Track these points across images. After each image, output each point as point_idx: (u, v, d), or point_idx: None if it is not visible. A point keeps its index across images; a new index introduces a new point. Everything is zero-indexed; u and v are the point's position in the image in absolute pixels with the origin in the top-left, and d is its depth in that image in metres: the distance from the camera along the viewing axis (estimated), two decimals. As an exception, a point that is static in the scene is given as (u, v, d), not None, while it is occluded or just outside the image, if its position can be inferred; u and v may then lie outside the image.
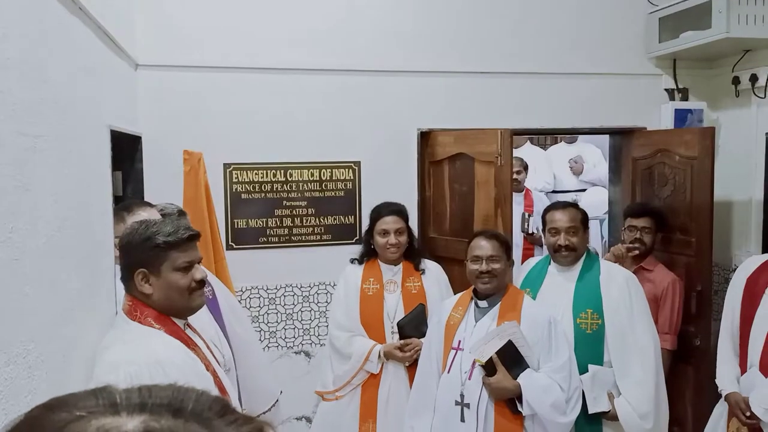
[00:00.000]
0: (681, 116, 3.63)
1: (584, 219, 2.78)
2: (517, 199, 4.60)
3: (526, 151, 5.60)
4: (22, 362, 1.20)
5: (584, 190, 5.38)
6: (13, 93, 1.21)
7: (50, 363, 1.37)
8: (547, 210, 2.87)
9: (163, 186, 3.02)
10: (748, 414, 2.51)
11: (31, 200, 1.29)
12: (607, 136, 4.01)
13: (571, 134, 5.32)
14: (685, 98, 3.72)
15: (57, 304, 1.45)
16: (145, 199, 2.81)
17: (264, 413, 2.73)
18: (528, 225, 4.62)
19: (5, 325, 1.12)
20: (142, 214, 2.19)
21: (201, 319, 2.19)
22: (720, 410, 2.71)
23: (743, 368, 2.61)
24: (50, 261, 1.40)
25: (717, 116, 3.76)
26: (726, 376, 2.67)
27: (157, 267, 1.70)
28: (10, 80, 1.20)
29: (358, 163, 3.53)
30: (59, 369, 1.45)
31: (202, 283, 1.78)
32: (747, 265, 2.75)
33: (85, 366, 1.65)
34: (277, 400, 2.80)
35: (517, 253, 4.13)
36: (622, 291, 2.64)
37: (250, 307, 3.43)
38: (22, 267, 1.23)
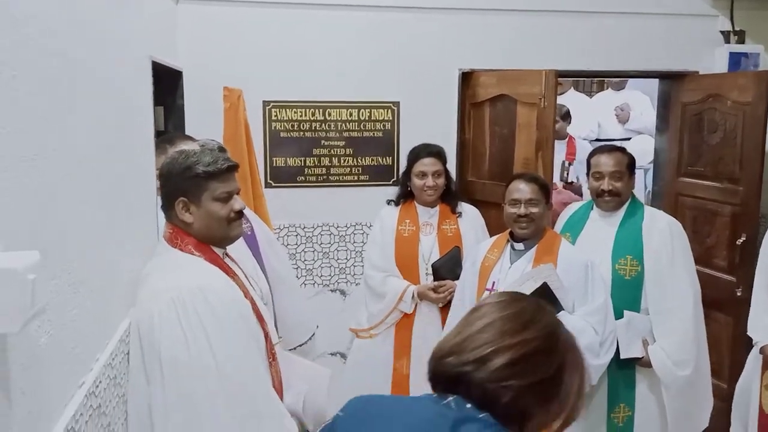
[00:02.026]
0: (735, 60, 3.47)
1: (630, 164, 2.71)
2: (559, 147, 4.51)
3: (570, 97, 5.45)
4: (67, 278, 1.24)
5: (629, 139, 5.24)
6: (48, 13, 1.22)
7: (94, 282, 1.41)
8: (592, 153, 2.80)
9: (203, 122, 3.04)
10: (785, 365, 2.48)
11: (74, 121, 1.31)
12: (657, 81, 3.86)
13: (618, 77, 5.14)
14: (741, 41, 3.54)
15: (100, 226, 1.49)
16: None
17: (300, 346, 2.80)
18: (567, 174, 4.52)
19: (49, 240, 1.16)
20: (184, 148, 2.21)
21: (240, 252, 2.23)
22: (753, 362, 2.67)
23: None
24: (92, 183, 1.43)
25: (775, 61, 3.58)
26: (761, 327, 2.62)
27: (198, 196, 1.73)
28: (44, 2, 1.20)
29: (397, 104, 3.49)
30: (102, 289, 1.49)
31: (240, 213, 1.80)
32: None
33: (128, 288, 1.70)
34: (314, 334, 2.87)
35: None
36: (664, 237, 2.59)
37: (288, 244, 3.48)
38: (66, 186, 1.25)
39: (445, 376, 1.05)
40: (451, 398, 1.02)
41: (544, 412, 1.04)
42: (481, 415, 1.00)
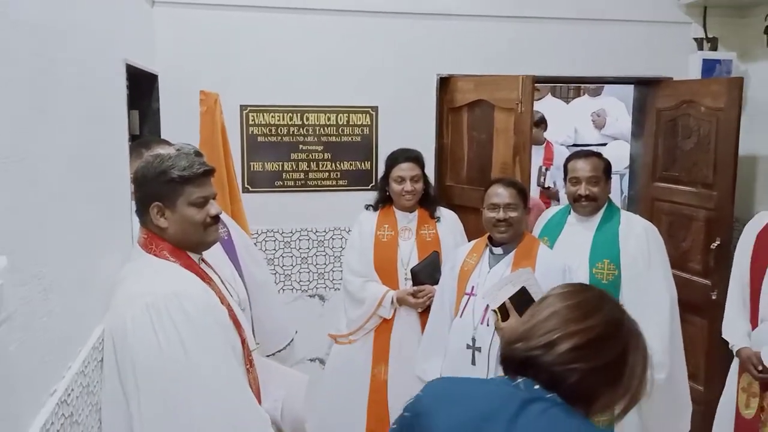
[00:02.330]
0: (709, 67, 3.53)
1: (607, 169, 2.73)
2: (537, 152, 4.54)
3: (547, 103, 5.51)
4: (37, 284, 1.21)
5: (605, 144, 5.30)
6: (28, 13, 1.19)
7: (65, 288, 1.38)
8: (569, 159, 2.82)
9: (179, 126, 3.01)
10: (760, 368, 2.50)
11: (47, 124, 1.29)
12: (632, 88, 3.91)
13: (594, 83, 5.21)
14: (714, 48, 3.60)
15: (72, 232, 1.45)
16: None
17: (279, 352, 2.78)
18: (544, 179, 4.56)
19: (18, 246, 1.13)
20: (160, 152, 2.18)
21: (217, 258, 2.20)
22: (735, 369, 2.70)
23: (754, 323, 2.60)
24: (66, 187, 1.40)
25: (746, 68, 3.64)
26: (736, 331, 2.65)
27: (173, 201, 1.70)
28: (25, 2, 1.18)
29: (375, 108, 3.49)
30: (75, 295, 1.46)
31: (216, 218, 1.78)
32: (757, 220, 2.71)
33: (102, 295, 1.67)
34: (292, 340, 2.84)
35: (532, 206, 4.08)
36: (641, 242, 2.61)
37: (266, 249, 3.45)
38: (38, 190, 1.23)
39: (515, 361, 1.15)
40: (520, 380, 1.13)
41: (610, 393, 1.13)
42: (548, 396, 1.09)
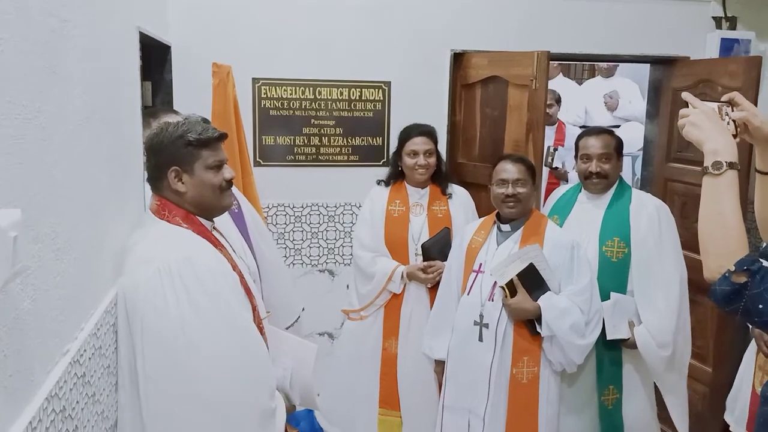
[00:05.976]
0: (727, 46, 3.47)
1: (618, 146, 2.71)
2: (548, 133, 4.50)
3: (559, 83, 5.45)
4: (51, 243, 1.22)
5: (618, 126, 5.25)
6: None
7: (78, 250, 1.39)
8: (580, 136, 2.80)
9: (192, 98, 3.01)
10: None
11: (59, 84, 1.29)
12: (646, 69, 3.85)
13: (610, 61, 5.14)
14: (732, 27, 3.55)
15: (85, 194, 1.46)
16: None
17: (287, 328, 2.80)
18: (552, 159, 4.52)
19: (33, 203, 1.14)
20: (169, 120, 2.18)
21: (228, 229, 2.21)
22: (751, 350, 2.69)
23: None
24: (78, 150, 1.41)
25: (765, 48, 3.59)
26: None
27: (191, 164, 1.72)
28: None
29: (388, 84, 3.47)
30: (87, 257, 1.47)
31: (230, 183, 1.80)
32: None
33: (113, 259, 1.68)
34: (299, 318, 2.86)
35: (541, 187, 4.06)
36: (652, 220, 2.60)
37: (276, 224, 3.46)
38: (50, 149, 1.23)
39: None
40: None
41: None
42: None
